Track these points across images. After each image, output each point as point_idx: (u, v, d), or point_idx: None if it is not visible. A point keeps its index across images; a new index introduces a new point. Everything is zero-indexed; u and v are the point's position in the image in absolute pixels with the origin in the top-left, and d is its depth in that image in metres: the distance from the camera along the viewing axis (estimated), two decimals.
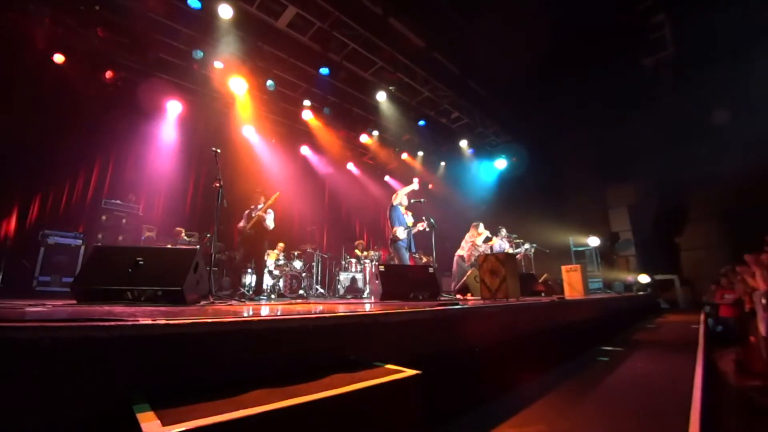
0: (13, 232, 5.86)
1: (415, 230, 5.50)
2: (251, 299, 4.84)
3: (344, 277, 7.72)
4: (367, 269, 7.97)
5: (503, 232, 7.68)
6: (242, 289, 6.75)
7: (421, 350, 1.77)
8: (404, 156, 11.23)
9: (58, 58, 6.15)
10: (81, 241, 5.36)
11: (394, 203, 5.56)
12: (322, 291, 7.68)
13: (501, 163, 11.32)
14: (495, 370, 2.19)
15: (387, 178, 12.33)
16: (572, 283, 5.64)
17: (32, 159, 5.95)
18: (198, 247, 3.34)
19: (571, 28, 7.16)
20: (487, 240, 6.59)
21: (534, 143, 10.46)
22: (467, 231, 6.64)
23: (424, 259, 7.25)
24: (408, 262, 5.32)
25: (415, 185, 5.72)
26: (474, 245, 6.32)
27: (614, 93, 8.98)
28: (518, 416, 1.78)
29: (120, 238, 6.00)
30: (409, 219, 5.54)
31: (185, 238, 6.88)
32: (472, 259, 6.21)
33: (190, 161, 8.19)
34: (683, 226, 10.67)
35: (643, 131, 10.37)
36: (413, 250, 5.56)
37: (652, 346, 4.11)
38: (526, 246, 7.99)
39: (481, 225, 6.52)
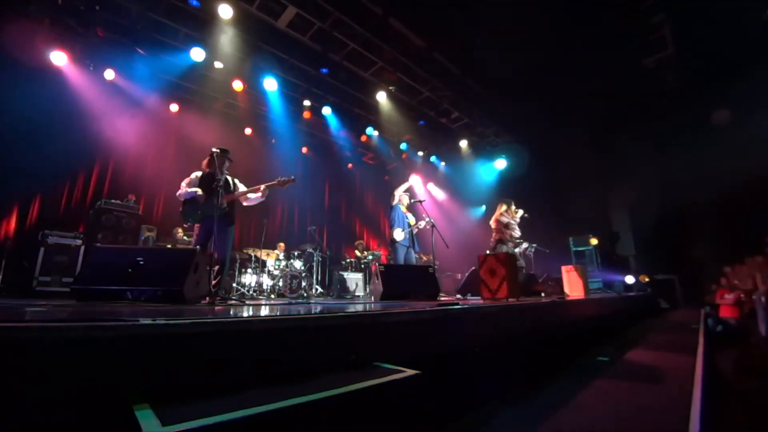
0: (13, 232, 5.87)
1: (416, 229, 5.49)
2: (252, 299, 4.83)
3: (344, 277, 7.73)
4: (367, 269, 7.97)
5: None
6: (242, 289, 6.76)
7: (421, 350, 1.77)
8: (404, 156, 11.24)
9: (58, 57, 6.15)
10: (81, 241, 5.36)
11: (393, 203, 5.55)
12: (322, 291, 7.69)
13: (501, 163, 11.31)
14: (494, 370, 2.19)
15: (387, 178, 12.34)
16: (572, 283, 5.63)
17: (32, 159, 5.95)
18: (198, 247, 3.33)
19: (571, 28, 7.16)
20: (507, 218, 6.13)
21: (534, 143, 10.45)
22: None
23: (424, 259, 7.24)
24: (402, 262, 5.30)
25: (410, 182, 5.72)
26: (498, 221, 6.01)
27: (614, 93, 8.98)
28: (518, 416, 1.78)
29: (120, 238, 6.00)
30: (410, 218, 5.52)
31: (185, 238, 6.89)
32: (507, 237, 5.91)
33: (190, 161, 8.20)
34: (683, 226, 10.66)
35: (644, 131, 10.37)
36: (417, 249, 5.54)
37: (652, 346, 4.11)
38: (525, 245, 7.99)
39: (505, 205, 6.14)
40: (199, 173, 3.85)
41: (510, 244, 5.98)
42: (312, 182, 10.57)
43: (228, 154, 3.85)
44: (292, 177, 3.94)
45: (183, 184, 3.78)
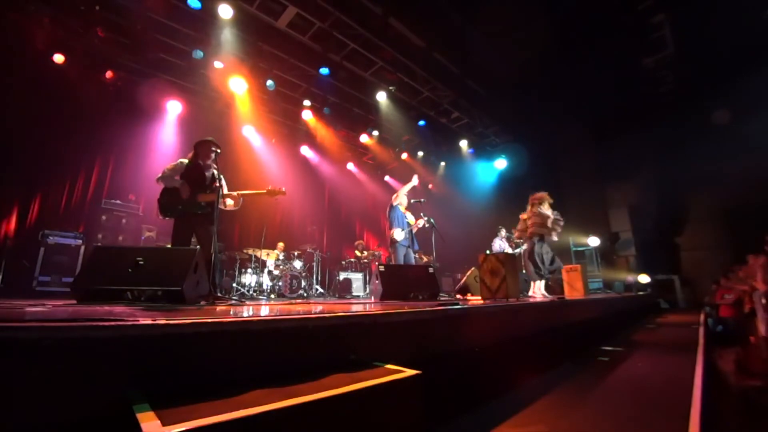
0: (13, 232, 5.86)
1: (416, 228, 5.49)
2: (252, 299, 4.82)
3: (344, 277, 7.73)
4: (367, 269, 7.97)
5: (503, 232, 7.68)
6: (242, 289, 6.76)
7: (421, 350, 1.77)
8: (404, 156, 11.24)
9: (58, 58, 6.16)
10: (81, 241, 5.37)
11: (394, 203, 5.54)
12: (322, 291, 7.69)
13: (501, 163, 11.32)
14: (495, 370, 2.19)
15: (387, 178, 12.34)
16: (572, 283, 5.63)
17: (32, 159, 5.95)
18: (198, 247, 3.33)
19: (570, 28, 7.17)
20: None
21: (534, 143, 10.45)
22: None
23: (425, 259, 7.25)
24: (402, 262, 5.30)
25: (414, 182, 5.67)
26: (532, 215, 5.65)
27: (614, 93, 8.99)
28: (518, 416, 1.78)
29: (120, 238, 6.01)
30: (409, 218, 5.52)
31: None
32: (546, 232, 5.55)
33: None
34: (683, 226, 10.67)
35: (644, 131, 10.38)
36: (416, 248, 5.54)
37: (652, 346, 4.11)
38: (526, 246, 7.97)
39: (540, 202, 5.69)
40: (185, 161, 3.59)
41: (555, 238, 5.68)
42: (312, 182, 10.57)
43: (217, 146, 3.63)
44: (283, 189, 3.72)
45: (166, 168, 3.46)
